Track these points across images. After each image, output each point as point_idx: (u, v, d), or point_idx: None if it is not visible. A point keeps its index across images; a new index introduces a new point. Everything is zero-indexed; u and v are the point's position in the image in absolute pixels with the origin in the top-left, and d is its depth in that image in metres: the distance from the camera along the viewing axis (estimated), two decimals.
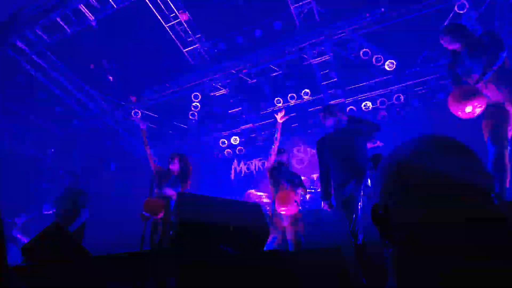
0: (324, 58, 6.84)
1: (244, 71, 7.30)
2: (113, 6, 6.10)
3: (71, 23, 6.38)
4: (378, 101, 7.52)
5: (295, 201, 3.96)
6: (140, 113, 8.33)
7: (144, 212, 3.99)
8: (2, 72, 6.56)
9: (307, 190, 4.95)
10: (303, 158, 8.56)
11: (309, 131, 8.69)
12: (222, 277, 1.48)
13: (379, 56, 6.68)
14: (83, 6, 6.15)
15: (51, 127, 8.35)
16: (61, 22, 6.34)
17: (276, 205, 3.97)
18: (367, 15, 6.13)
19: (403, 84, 7.21)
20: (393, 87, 7.33)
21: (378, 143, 3.57)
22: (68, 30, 6.45)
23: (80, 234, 4.61)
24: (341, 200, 3.35)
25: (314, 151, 8.51)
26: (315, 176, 7.02)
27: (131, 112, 8.32)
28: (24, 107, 7.60)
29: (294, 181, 4.24)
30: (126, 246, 7.05)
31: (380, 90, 7.43)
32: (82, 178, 5.18)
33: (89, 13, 6.24)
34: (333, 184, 3.48)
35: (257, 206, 2.96)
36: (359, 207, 3.11)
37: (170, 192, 4.15)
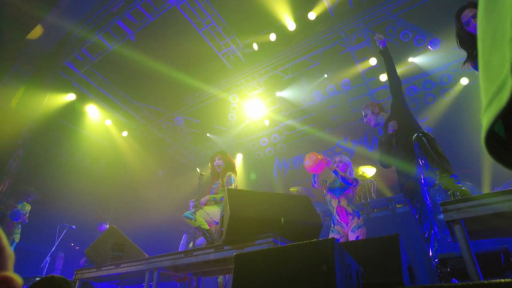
0: (362, 45, 6.61)
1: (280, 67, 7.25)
2: (149, 18, 6.35)
3: (112, 39, 6.73)
4: (423, 84, 7.12)
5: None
6: (182, 119, 8.58)
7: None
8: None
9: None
10: (348, 151, 8.30)
11: (350, 123, 8.42)
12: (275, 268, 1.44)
13: (420, 36, 6.29)
14: (122, 22, 6.45)
15: (102, 140, 8.85)
16: (103, 40, 6.71)
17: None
18: None
19: (450, 64, 6.75)
20: (438, 68, 6.90)
21: None
22: (110, 47, 6.80)
23: None
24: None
25: (359, 143, 8.22)
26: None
27: (174, 120, 8.60)
28: (78, 124, 8.13)
29: None
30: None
31: (426, 72, 7.02)
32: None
33: (128, 28, 6.54)
34: None
35: (307, 199, 2.90)
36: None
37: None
